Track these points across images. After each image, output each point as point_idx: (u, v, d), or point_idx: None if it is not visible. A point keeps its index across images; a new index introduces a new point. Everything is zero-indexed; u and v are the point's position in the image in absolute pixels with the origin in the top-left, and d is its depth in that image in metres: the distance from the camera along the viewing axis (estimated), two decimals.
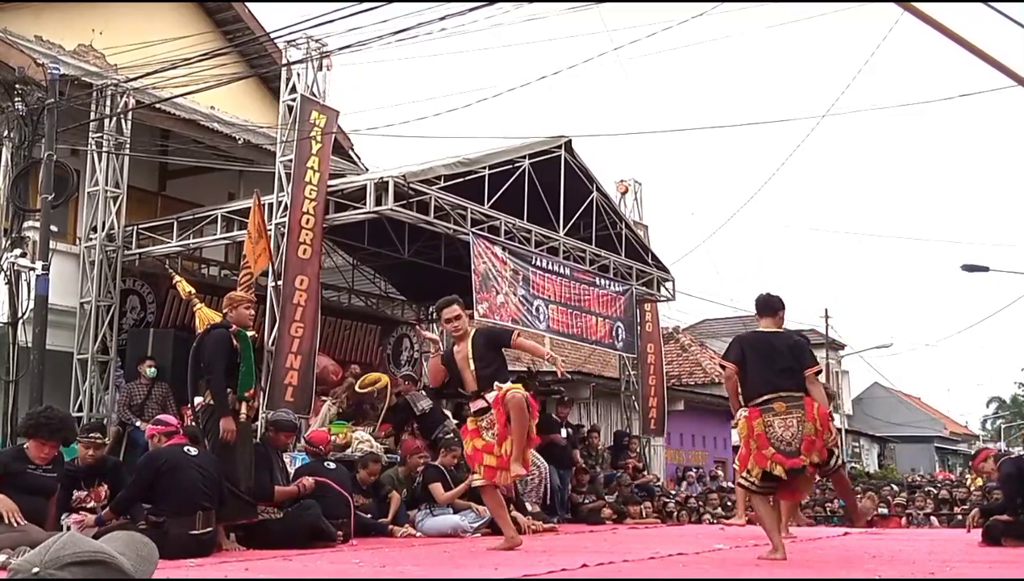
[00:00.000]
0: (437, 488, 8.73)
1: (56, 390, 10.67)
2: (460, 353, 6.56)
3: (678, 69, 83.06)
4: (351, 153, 14.46)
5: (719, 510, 13.73)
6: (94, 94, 11.16)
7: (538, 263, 12.06)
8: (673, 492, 15.30)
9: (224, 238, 11.40)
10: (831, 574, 5.28)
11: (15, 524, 5.73)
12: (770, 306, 6.33)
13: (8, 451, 6.29)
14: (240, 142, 12.24)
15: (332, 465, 8.19)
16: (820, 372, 6.20)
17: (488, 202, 11.24)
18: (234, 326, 6.89)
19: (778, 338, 6.21)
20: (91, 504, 6.68)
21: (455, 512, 8.70)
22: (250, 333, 7.09)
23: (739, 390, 6.21)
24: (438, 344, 7.35)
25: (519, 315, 11.54)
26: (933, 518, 14.27)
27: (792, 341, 6.25)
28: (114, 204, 11.47)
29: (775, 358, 6.02)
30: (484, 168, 11.26)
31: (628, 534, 9.37)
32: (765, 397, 5.91)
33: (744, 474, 6.17)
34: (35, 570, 1.40)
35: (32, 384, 9.67)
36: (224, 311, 7.11)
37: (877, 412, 38.50)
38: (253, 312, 7.43)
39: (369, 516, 8.35)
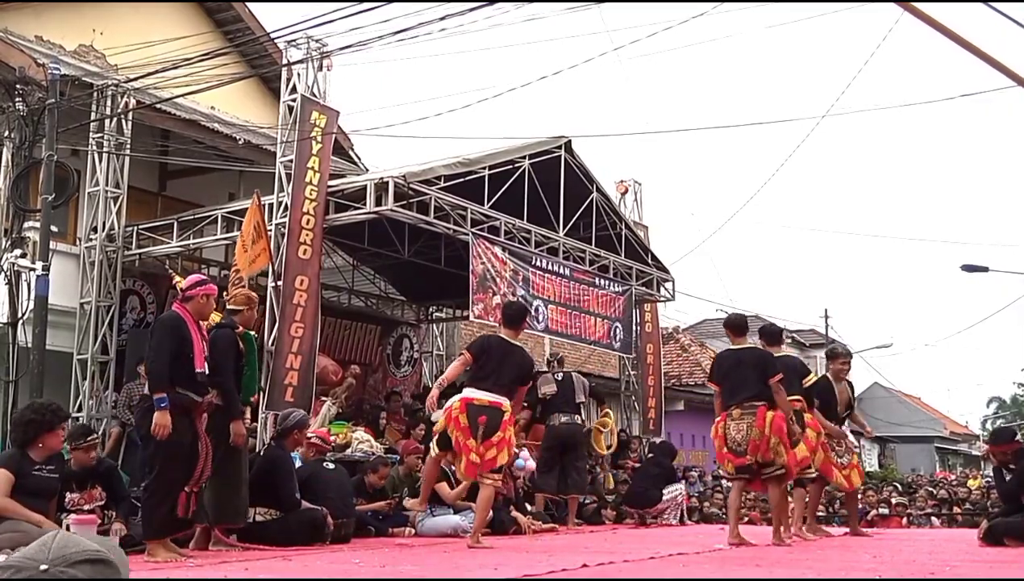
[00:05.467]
0: (443, 487, 8.71)
1: (56, 390, 10.65)
2: None
3: (678, 69, 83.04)
4: (351, 153, 14.46)
5: (721, 511, 13.70)
6: (94, 94, 11.15)
7: (538, 263, 12.05)
8: None
9: (224, 238, 11.39)
10: (831, 574, 5.27)
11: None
12: (740, 326, 7.44)
13: (13, 455, 6.25)
14: (240, 142, 12.23)
15: (331, 466, 8.19)
16: (782, 380, 7.11)
17: (488, 202, 11.23)
18: (240, 327, 6.84)
19: (746, 354, 7.28)
20: (87, 506, 6.63)
21: (455, 512, 8.69)
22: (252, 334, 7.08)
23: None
24: None
25: None
26: (933, 518, 14.28)
27: (757, 355, 7.29)
28: (114, 204, 11.46)
29: (741, 372, 7.12)
30: (484, 168, 11.24)
31: (628, 534, 9.37)
32: (729, 407, 7.08)
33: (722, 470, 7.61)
34: (43, 567, 1.37)
35: (32, 384, 9.66)
36: (240, 308, 6.92)
37: (877, 412, 38.36)
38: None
39: (370, 514, 8.38)
